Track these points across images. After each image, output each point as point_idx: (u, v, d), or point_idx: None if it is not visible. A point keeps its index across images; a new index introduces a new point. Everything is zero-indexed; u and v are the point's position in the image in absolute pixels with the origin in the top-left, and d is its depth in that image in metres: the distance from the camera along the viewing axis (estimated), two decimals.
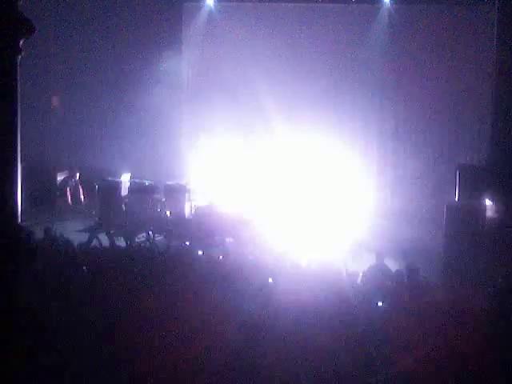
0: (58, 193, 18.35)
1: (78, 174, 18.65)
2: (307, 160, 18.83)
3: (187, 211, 17.49)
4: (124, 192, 17.46)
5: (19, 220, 3.92)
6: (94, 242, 14.90)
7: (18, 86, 3.90)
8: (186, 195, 17.65)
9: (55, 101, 19.54)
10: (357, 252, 14.57)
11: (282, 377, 6.69)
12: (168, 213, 17.32)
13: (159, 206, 17.41)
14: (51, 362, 6.18)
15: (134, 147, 19.02)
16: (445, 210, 12.57)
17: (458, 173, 12.43)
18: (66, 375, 6.14)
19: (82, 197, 18.65)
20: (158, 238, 15.51)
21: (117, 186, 17.40)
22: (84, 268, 9.35)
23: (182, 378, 6.63)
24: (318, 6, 19.09)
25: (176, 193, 17.51)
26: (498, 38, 12.71)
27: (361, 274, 10.86)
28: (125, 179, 17.77)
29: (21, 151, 3.97)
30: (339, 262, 11.27)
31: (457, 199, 12.26)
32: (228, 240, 15.47)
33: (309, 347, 7.07)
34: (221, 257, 12.49)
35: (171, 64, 19.55)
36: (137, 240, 15.08)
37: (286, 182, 17.95)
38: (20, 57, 3.94)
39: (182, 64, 20.11)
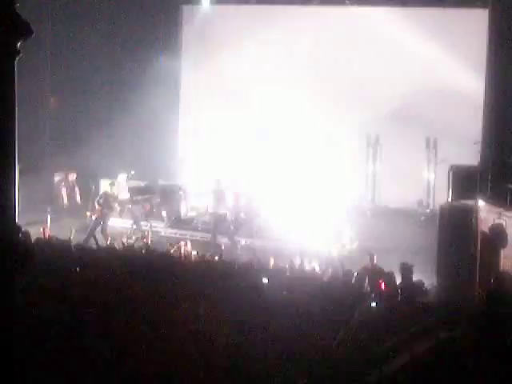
0: (54, 193, 18.41)
1: (74, 175, 18.68)
2: (303, 161, 18.80)
3: (182, 212, 17.54)
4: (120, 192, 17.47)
5: (16, 220, 3.99)
6: (91, 242, 15.02)
7: (16, 87, 3.98)
8: (181, 196, 17.69)
9: (52, 102, 19.56)
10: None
11: (277, 375, 6.73)
12: (164, 213, 17.35)
13: (154, 206, 17.44)
14: (50, 361, 6.23)
15: (131, 148, 19.07)
16: (438, 210, 12.66)
17: (450, 174, 12.52)
18: (64, 375, 6.20)
19: (78, 197, 18.69)
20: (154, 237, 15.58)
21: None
22: (77, 268, 9.41)
23: (178, 377, 6.69)
24: (313, 9, 19.16)
25: (171, 194, 17.54)
26: (490, 39, 12.80)
27: (355, 274, 10.94)
28: (121, 180, 17.80)
29: (18, 152, 4.04)
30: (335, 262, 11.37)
31: (449, 200, 12.35)
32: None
33: (304, 346, 7.14)
34: (216, 257, 12.58)
35: (168, 65, 19.61)
36: (133, 239, 15.15)
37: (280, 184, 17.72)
38: (17, 58, 4.01)
39: (179, 65, 20.18)
